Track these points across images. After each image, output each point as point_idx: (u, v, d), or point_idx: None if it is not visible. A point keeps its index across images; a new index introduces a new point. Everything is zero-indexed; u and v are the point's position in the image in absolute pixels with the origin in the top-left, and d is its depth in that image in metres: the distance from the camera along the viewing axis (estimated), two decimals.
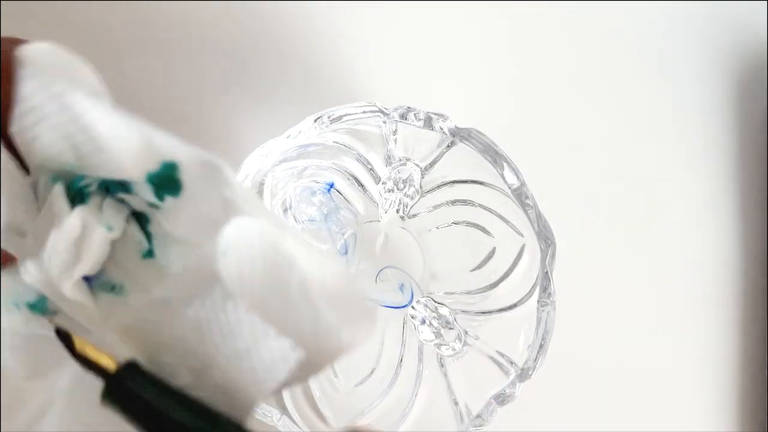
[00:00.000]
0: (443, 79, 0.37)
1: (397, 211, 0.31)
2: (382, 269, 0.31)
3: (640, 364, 0.36)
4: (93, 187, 0.16)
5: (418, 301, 0.31)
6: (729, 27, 0.39)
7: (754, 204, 0.38)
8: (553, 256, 0.28)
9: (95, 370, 0.16)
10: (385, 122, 0.29)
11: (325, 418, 0.30)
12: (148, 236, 0.16)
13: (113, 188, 0.16)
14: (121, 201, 0.16)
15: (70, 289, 0.16)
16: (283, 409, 0.29)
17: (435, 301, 0.31)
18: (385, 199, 0.31)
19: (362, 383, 0.30)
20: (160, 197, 0.15)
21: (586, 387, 0.35)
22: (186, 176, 0.15)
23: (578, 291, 0.33)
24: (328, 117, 0.29)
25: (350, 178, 0.31)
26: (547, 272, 0.28)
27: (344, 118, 0.29)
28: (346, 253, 0.31)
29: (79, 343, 0.16)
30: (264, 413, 0.28)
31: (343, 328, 0.14)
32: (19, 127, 0.15)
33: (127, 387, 0.15)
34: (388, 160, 0.30)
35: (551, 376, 0.30)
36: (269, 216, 0.15)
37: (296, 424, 0.28)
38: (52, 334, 0.16)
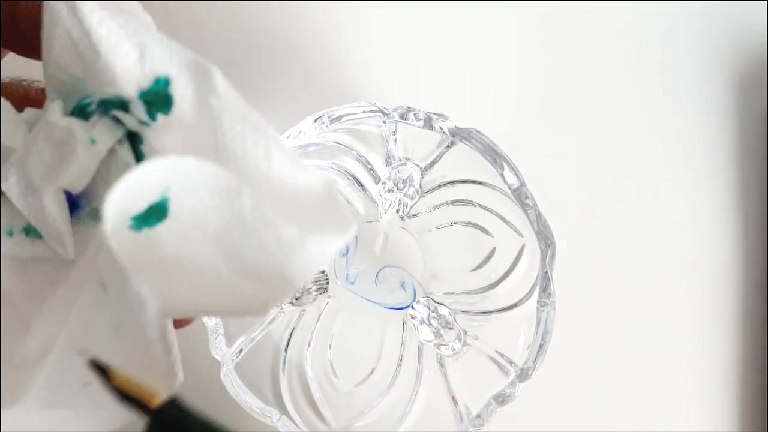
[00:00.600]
0: (443, 79, 0.37)
1: (397, 211, 0.31)
2: (382, 268, 0.31)
3: (640, 364, 0.36)
4: (93, 107, 0.15)
5: (418, 301, 0.31)
6: (729, 27, 0.39)
7: (754, 204, 0.38)
8: (552, 256, 0.28)
9: (135, 405, 0.15)
10: (385, 122, 0.29)
11: (325, 418, 0.30)
12: (140, 158, 0.16)
13: (110, 106, 0.15)
14: (117, 121, 0.16)
15: (50, 198, 0.15)
16: (283, 409, 0.29)
17: (435, 301, 0.31)
18: (385, 199, 0.31)
19: (362, 383, 0.30)
20: (152, 116, 0.15)
21: (585, 387, 0.35)
22: (176, 90, 0.15)
23: (578, 291, 0.33)
24: (328, 117, 0.29)
25: (350, 178, 0.31)
26: (546, 272, 0.28)
27: (344, 118, 0.29)
28: (347, 253, 0.31)
29: (118, 377, 0.15)
30: (263, 413, 0.28)
31: (310, 239, 0.14)
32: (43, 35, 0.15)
33: (170, 424, 0.15)
34: (388, 160, 0.30)
35: (551, 376, 0.30)
36: (250, 123, 0.15)
37: (296, 424, 0.28)
38: (49, 256, 0.16)
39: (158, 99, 0.14)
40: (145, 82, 0.14)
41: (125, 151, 0.16)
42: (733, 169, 0.38)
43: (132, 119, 0.15)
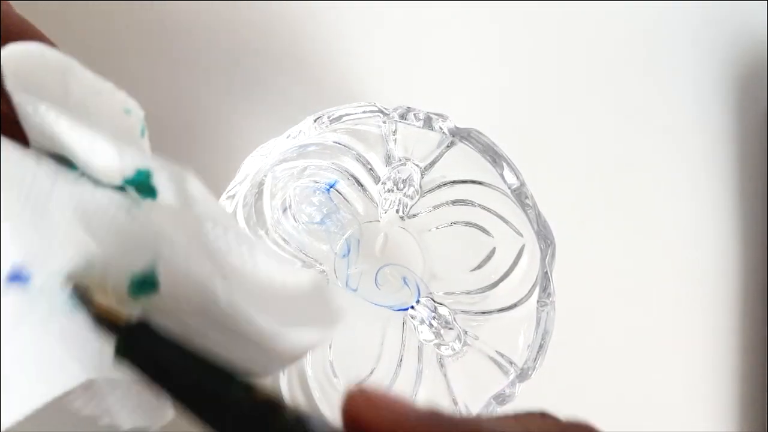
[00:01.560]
0: (443, 79, 0.37)
1: (397, 211, 0.31)
2: (381, 268, 0.31)
3: (640, 364, 0.36)
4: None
5: (418, 301, 0.31)
6: (729, 27, 0.39)
7: (754, 204, 0.38)
8: (552, 256, 0.28)
9: (109, 326, 0.16)
10: (384, 122, 0.29)
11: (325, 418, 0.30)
12: None
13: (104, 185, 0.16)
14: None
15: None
16: None
17: (435, 301, 0.31)
18: (385, 199, 0.31)
19: (362, 383, 0.30)
20: (143, 197, 0.16)
21: (585, 387, 0.35)
22: (158, 182, 0.16)
23: (578, 291, 0.33)
24: (328, 117, 0.29)
25: (350, 178, 0.31)
26: (546, 272, 0.28)
27: (344, 118, 0.29)
28: (348, 253, 0.31)
29: (97, 299, 0.16)
30: None
31: (293, 329, 0.15)
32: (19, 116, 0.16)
33: (139, 344, 0.15)
34: (388, 160, 0.30)
35: (551, 377, 0.30)
36: (231, 227, 0.15)
37: None
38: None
39: (143, 187, 0.16)
40: (128, 172, 0.15)
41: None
42: (733, 169, 0.38)
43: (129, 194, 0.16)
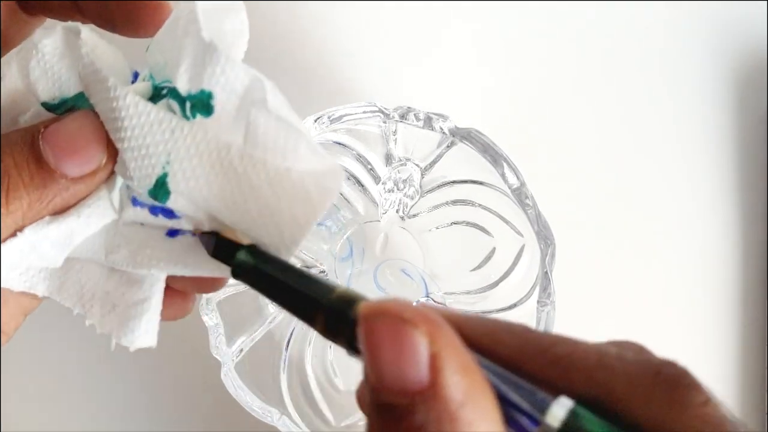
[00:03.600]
0: (443, 79, 0.37)
1: (397, 211, 0.31)
2: (380, 264, 0.31)
3: None
4: (165, 91, 0.20)
5: (417, 301, 0.31)
6: (729, 27, 0.39)
7: (754, 204, 0.38)
8: (552, 256, 0.28)
9: (227, 251, 0.19)
10: (385, 122, 0.29)
11: (325, 417, 0.30)
12: None
13: (173, 96, 0.19)
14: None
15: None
16: (283, 409, 0.29)
17: (435, 301, 0.31)
18: (385, 199, 0.31)
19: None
20: (193, 114, 0.19)
21: None
22: (218, 102, 0.19)
23: (578, 291, 0.33)
24: (328, 117, 0.29)
25: (350, 178, 0.31)
26: (546, 272, 0.28)
27: (344, 118, 0.29)
28: (351, 255, 0.31)
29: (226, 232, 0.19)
30: (264, 413, 0.28)
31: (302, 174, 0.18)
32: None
33: (257, 261, 0.19)
34: (388, 160, 0.30)
35: None
36: (284, 123, 0.19)
37: (296, 424, 0.28)
38: None
39: (201, 104, 0.19)
40: (194, 89, 0.19)
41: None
42: (733, 169, 0.38)
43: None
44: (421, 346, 0.14)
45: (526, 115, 0.37)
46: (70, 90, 0.20)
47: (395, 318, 0.14)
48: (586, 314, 0.35)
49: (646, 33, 0.38)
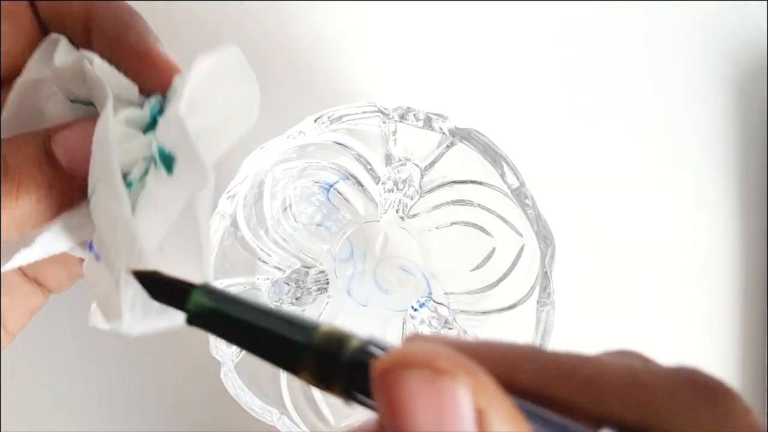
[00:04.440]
0: (443, 79, 0.37)
1: (397, 212, 0.31)
2: (379, 264, 0.31)
3: None
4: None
5: (417, 301, 0.31)
6: (729, 27, 0.39)
7: (754, 204, 0.38)
8: (552, 256, 0.28)
9: (175, 297, 0.16)
10: (384, 122, 0.29)
11: (325, 418, 0.30)
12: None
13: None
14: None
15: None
16: (283, 409, 0.29)
17: (435, 301, 0.31)
18: (385, 199, 0.31)
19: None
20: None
21: None
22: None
23: (578, 291, 0.33)
24: (328, 117, 0.29)
25: (350, 178, 0.31)
26: (546, 272, 0.28)
27: (344, 118, 0.29)
28: (352, 256, 0.31)
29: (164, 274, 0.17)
30: (263, 413, 0.28)
31: None
32: None
33: (217, 302, 0.16)
34: (388, 160, 0.30)
35: None
36: None
37: (296, 424, 0.28)
38: None
39: (167, 161, 0.18)
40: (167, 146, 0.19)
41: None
42: (733, 169, 0.38)
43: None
44: (464, 402, 0.12)
45: (526, 115, 0.37)
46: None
47: (429, 370, 0.12)
48: (585, 314, 0.35)
49: (646, 33, 0.38)
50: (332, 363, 0.14)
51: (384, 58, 0.36)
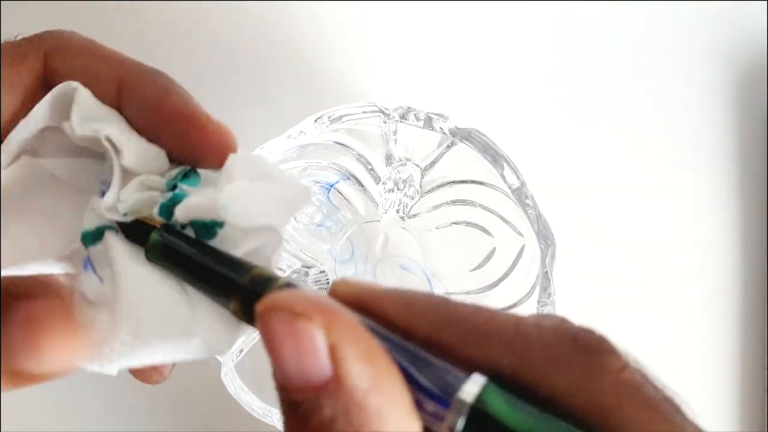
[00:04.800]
0: (443, 79, 0.37)
1: (397, 211, 0.31)
2: (378, 264, 0.31)
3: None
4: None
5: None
6: (729, 27, 0.39)
7: (754, 203, 0.38)
8: (552, 256, 0.28)
9: (140, 230, 0.18)
10: (385, 122, 0.29)
11: None
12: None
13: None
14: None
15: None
16: None
17: None
18: (385, 199, 0.31)
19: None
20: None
21: None
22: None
23: (578, 291, 0.33)
24: (329, 117, 0.29)
25: (350, 178, 0.31)
26: (547, 272, 0.28)
27: (344, 118, 0.29)
28: (353, 256, 0.31)
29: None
30: (263, 413, 0.28)
31: None
32: None
33: (167, 239, 0.18)
34: (388, 160, 0.30)
35: None
36: None
37: None
38: None
39: (204, 229, 0.18)
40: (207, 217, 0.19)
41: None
42: (733, 169, 0.38)
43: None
44: (318, 339, 0.14)
45: (526, 115, 0.37)
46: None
47: (288, 312, 0.14)
48: (586, 314, 0.35)
49: (646, 33, 0.38)
50: (254, 301, 0.15)
51: (384, 58, 0.36)
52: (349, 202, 0.31)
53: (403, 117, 0.29)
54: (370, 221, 0.31)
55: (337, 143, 0.30)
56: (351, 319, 0.14)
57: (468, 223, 0.31)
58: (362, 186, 0.31)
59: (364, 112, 0.29)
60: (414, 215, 0.31)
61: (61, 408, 0.33)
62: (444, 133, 0.29)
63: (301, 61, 0.35)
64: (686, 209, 0.37)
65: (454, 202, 0.31)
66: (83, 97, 0.19)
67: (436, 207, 0.31)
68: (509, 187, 0.28)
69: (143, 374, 0.23)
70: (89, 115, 0.19)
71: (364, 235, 0.31)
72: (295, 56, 0.35)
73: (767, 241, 0.37)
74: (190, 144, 0.19)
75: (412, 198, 0.31)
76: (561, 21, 0.38)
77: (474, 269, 0.31)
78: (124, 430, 0.33)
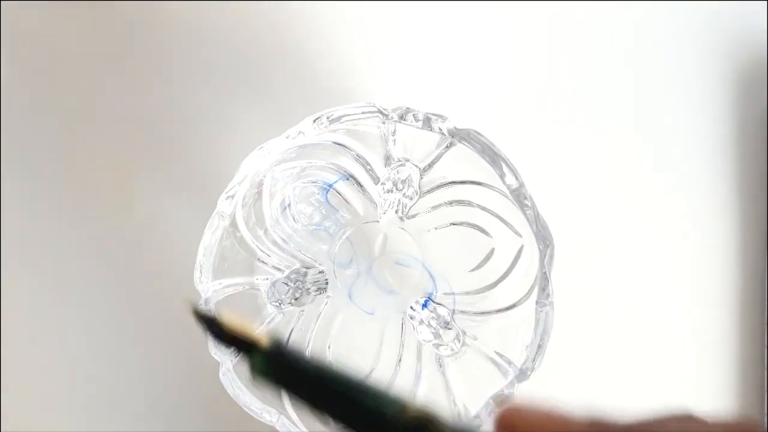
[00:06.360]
0: (443, 79, 0.37)
1: (396, 212, 0.31)
2: (373, 264, 0.31)
3: (640, 365, 0.36)
4: None
5: (417, 301, 0.31)
6: (729, 27, 0.39)
7: (754, 204, 0.38)
8: (551, 256, 0.28)
9: (245, 347, 0.16)
10: (384, 123, 0.29)
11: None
12: None
13: None
14: None
15: None
16: (282, 409, 0.29)
17: (434, 302, 0.31)
18: (384, 199, 0.31)
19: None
20: None
21: (584, 388, 0.35)
22: None
23: (577, 291, 0.33)
24: (327, 117, 0.29)
25: (349, 178, 0.31)
26: (545, 273, 0.28)
27: (343, 119, 0.29)
28: (351, 257, 0.31)
29: (229, 320, 0.16)
30: (262, 413, 0.28)
31: None
32: None
33: (282, 361, 0.15)
34: (387, 160, 0.31)
35: (550, 377, 0.30)
36: None
37: (294, 424, 0.28)
38: None
39: None
40: None
41: None
42: (733, 169, 0.38)
43: None
44: None
45: (526, 115, 0.37)
46: None
47: None
48: (585, 315, 0.35)
49: (645, 33, 0.38)
50: None
51: (383, 58, 0.36)
52: (347, 202, 0.31)
53: (401, 117, 0.29)
54: (369, 222, 0.31)
55: (336, 143, 0.30)
56: None
57: (467, 224, 0.31)
58: (361, 186, 0.31)
59: (362, 113, 0.29)
60: (413, 216, 0.31)
61: (60, 408, 0.33)
62: (443, 133, 0.29)
63: (300, 61, 0.35)
64: (686, 209, 0.37)
65: (452, 202, 0.31)
66: None
67: (434, 207, 0.31)
68: (508, 188, 0.28)
69: None
70: None
71: (362, 235, 0.31)
72: (294, 56, 0.36)
73: (767, 241, 0.37)
74: None
75: (411, 198, 0.31)
76: (559, 21, 0.38)
77: (473, 270, 0.31)
78: (124, 430, 0.33)
